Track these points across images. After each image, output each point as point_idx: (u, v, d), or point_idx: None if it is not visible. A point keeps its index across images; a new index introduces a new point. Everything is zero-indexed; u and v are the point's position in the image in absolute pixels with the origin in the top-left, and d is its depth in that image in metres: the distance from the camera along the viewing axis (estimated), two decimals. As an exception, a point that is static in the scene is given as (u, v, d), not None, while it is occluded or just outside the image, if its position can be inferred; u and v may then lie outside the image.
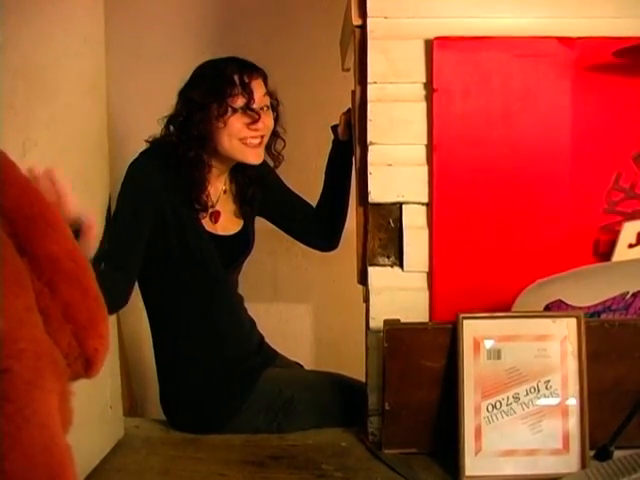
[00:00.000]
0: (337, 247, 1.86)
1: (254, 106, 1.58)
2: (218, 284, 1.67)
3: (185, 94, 1.59)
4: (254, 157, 1.62)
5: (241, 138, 1.58)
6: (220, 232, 1.67)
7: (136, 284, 1.60)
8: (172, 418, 1.67)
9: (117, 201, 1.57)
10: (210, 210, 1.64)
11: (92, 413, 1.45)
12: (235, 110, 1.57)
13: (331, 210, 1.80)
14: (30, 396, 0.74)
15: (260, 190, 1.75)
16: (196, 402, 1.64)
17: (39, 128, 1.26)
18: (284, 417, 1.64)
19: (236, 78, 1.57)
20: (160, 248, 1.58)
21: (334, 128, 1.77)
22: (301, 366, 1.89)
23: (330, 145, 1.80)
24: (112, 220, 1.56)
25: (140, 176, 1.57)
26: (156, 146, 1.62)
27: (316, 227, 1.82)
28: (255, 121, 1.58)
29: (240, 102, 1.57)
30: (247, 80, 1.58)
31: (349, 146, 1.69)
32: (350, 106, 1.65)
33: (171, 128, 1.61)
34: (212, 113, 1.56)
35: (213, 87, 1.56)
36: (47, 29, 1.30)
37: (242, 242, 1.73)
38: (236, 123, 1.57)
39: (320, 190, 1.83)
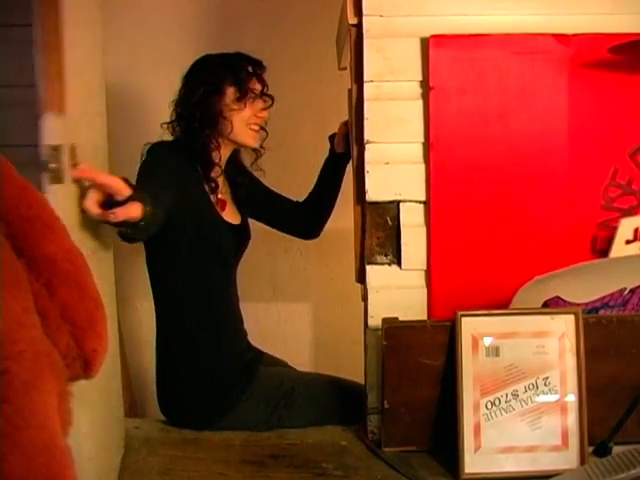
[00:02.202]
0: (318, 236, 1.95)
1: (268, 92, 1.71)
2: (226, 270, 1.73)
3: (199, 77, 1.67)
4: (255, 140, 1.73)
5: (248, 123, 1.69)
6: (228, 220, 1.73)
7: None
8: (171, 413, 1.68)
9: (141, 170, 1.57)
10: (218, 198, 1.71)
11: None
12: (253, 95, 1.68)
13: (317, 207, 1.90)
14: (29, 397, 0.75)
15: (245, 180, 1.83)
16: (196, 394, 1.65)
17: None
18: (284, 409, 1.66)
19: (250, 68, 1.68)
20: (175, 229, 1.60)
21: (331, 138, 1.82)
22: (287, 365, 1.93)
23: (327, 144, 1.81)
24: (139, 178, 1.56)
25: (164, 153, 1.63)
26: (172, 131, 1.70)
27: (300, 218, 1.91)
28: (268, 106, 1.71)
29: (257, 88, 1.69)
30: (259, 71, 1.70)
31: (344, 158, 1.75)
32: (347, 107, 1.66)
33: (179, 110, 1.68)
34: (229, 97, 1.66)
35: (232, 72, 1.66)
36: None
37: (244, 233, 1.81)
38: (250, 108, 1.68)
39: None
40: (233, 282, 1.77)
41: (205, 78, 1.66)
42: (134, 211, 1.18)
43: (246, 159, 1.83)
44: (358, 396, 1.61)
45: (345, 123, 1.73)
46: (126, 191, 1.16)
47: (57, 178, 0.96)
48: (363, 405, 1.56)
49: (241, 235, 1.79)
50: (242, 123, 1.68)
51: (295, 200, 1.92)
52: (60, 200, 1.00)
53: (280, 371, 1.79)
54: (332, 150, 1.83)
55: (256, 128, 1.71)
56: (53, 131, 0.96)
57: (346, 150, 1.73)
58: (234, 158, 1.78)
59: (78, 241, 0.96)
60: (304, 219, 1.91)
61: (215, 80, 1.65)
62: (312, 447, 1.54)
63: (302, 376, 1.80)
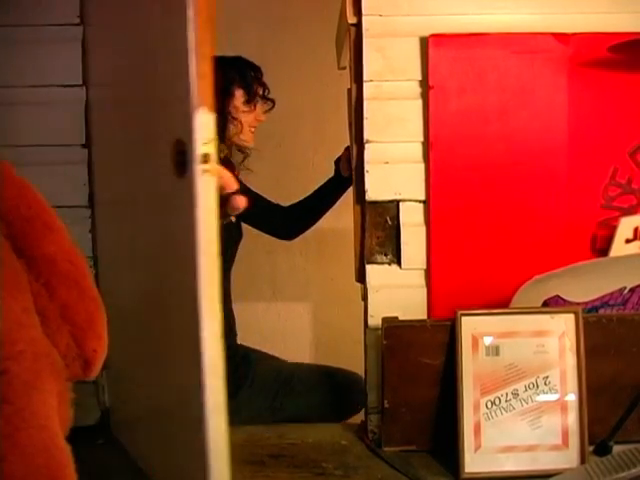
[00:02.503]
0: (294, 239, 1.99)
1: (269, 96, 1.78)
2: (225, 269, 1.72)
3: None
4: (253, 141, 1.81)
5: (250, 125, 1.76)
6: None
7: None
8: None
9: None
10: None
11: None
12: (259, 98, 1.75)
13: (305, 216, 1.93)
14: (29, 397, 0.75)
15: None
16: None
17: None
18: (284, 397, 1.70)
19: (252, 72, 1.74)
20: None
21: (337, 162, 1.85)
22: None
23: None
24: None
25: None
26: None
27: (279, 220, 1.93)
28: (269, 109, 1.78)
29: (261, 91, 1.76)
30: (259, 75, 1.76)
31: (348, 181, 1.74)
32: (347, 107, 1.66)
33: None
34: (238, 99, 1.73)
35: (239, 75, 1.72)
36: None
37: (240, 230, 1.85)
38: (255, 111, 1.76)
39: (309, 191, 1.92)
40: (229, 282, 1.78)
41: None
42: (243, 202, 1.22)
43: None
44: (355, 384, 1.65)
45: (347, 148, 1.74)
46: (235, 184, 1.20)
47: (211, 172, 0.98)
48: (360, 393, 1.57)
49: (238, 232, 1.82)
50: (246, 124, 1.74)
51: (276, 202, 1.94)
52: (211, 194, 1.02)
53: (277, 363, 1.84)
54: (337, 172, 1.85)
55: (253, 130, 1.78)
56: (206, 126, 1.02)
57: (350, 174, 1.75)
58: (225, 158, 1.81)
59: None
60: (285, 222, 1.94)
61: (224, 82, 1.69)
62: (312, 447, 1.54)
63: (299, 365, 1.86)
